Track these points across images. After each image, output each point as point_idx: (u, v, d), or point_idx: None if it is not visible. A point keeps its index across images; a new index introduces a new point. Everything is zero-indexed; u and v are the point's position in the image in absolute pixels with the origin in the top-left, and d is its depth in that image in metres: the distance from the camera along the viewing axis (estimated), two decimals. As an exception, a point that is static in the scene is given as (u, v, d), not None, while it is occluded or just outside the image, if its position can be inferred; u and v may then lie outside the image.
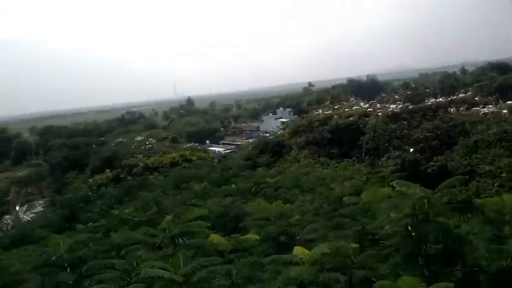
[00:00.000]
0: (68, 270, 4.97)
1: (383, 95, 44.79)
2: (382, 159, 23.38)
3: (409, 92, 41.92)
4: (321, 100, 59.30)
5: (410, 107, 26.92)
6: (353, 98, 40.94)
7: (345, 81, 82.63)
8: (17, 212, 25.87)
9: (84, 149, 40.11)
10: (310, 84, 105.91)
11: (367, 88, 67.52)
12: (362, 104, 33.14)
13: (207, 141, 55.39)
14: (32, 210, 25.66)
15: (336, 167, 20.40)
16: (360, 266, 4.51)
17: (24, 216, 24.74)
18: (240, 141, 54.66)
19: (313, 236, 5.37)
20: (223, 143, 56.57)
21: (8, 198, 25.84)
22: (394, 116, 25.80)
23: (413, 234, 4.46)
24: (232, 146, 50.08)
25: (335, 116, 28.99)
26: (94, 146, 42.84)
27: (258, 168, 20.44)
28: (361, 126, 26.83)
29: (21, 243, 10.63)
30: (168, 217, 5.69)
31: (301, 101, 77.86)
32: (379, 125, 25.36)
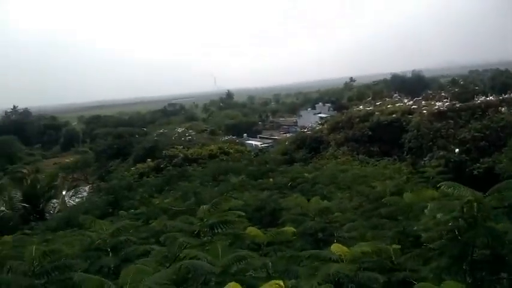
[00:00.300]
0: (110, 254, 5.16)
1: (428, 91, 43.07)
2: (425, 159, 22.57)
3: (456, 90, 40.19)
4: (362, 96, 58.14)
5: (458, 105, 25.74)
6: (396, 94, 39.67)
7: (388, 77, 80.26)
8: (64, 196, 27.33)
9: (127, 139, 41.57)
10: (351, 79, 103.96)
11: (412, 84, 65.22)
12: (406, 100, 32.05)
13: (245, 134, 55.76)
14: (77, 195, 26.97)
15: (376, 165, 19.87)
16: (400, 268, 4.38)
17: (70, 201, 26.08)
18: (277, 136, 54.63)
19: (352, 235, 5.27)
20: (260, 137, 56.77)
21: (56, 183, 27.26)
22: (440, 114, 24.79)
23: (459, 238, 4.28)
24: (270, 140, 50.15)
25: (376, 113, 28.22)
26: (137, 136, 44.30)
27: (295, 164, 20.30)
28: (404, 123, 25.99)
29: (67, 226, 11.19)
30: (205, 206, 5.77)
31: (342, 97, 76.65)
32: (423, 123, 24.47)
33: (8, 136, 66.48)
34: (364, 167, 18.99)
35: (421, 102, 30.09)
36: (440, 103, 27.29)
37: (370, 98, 42.04)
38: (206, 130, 48.32)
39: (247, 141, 46.28)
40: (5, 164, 45.78)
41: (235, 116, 76.52)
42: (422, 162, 22.10)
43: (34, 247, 4.24)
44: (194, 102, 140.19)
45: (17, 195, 24.68)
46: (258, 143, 46.41)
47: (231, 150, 27.97)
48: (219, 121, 68.63)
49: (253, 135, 57.71)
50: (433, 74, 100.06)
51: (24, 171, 30.48)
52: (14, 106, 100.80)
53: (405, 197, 6.09)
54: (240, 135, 51.86)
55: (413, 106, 28.40)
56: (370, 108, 30.54)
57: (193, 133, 39.41)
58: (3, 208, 23.51)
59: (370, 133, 26.95)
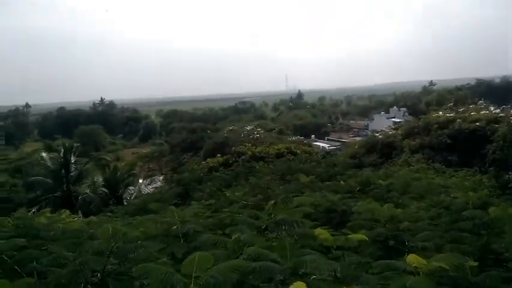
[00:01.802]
0: (182, 241, 5.35)
1: (519, 99, 39.19)
2: (510, 173, 20.64)
3: (553, 98, 36.10)
4: (442, 101, 54.53)
5: (554, 115, 23.08)
6: (482, 101, 36.61)
7: (472, 82, 74.48)
8: (140, 184, 29.27)
9: (200, 134, 43.38)
10: (431, 82, 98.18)
11: (500, 91, 59.88)
12: (492, 108, 29.44)
13: (313, 135, 55.33)
14: (152, 184, 28.72)
15: (453, 176, 18.49)
16: (477, 287, 4.02)
17: (146, 189, 27.83)
18: (346, 139, 53.47)
19: (427, 246, 4.95)
20: (328, 139, 55.93)
21: (134, 171, 29.26)
22: (531, 125, 22.40)
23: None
24: (338, 143, 49.21)
25: (458, 120, 26.21)
26: (209, 131, 46.06)
27: (364, 169, 19.58)
28: (488, 133, 23.86)
29: (142, 212, 11.93)
30: (273, 201, 5.78)
31: (419, 101, 72.67)
32: (511, 133, 22.29)
33: (95, 126, 73.02)
34: (439, 176, 17.79)
35: (509, 110, 27.45)
36: (532, 112, 24.68)
37: (451, 104, 39.20)
38: (274, 129, 48.71)
39: (315, 143, 45.82)
40: (90, 151, 50.32)
41: (304, 116, 76.12)
42: (507, 176, 20.19)
43: (110, 226, 4.44)
44: (264, 101, 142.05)
45: (100, 180, 26.95)
46: (326, 145, 45.74)
47: (298, 151, 27.81)
48: (287, 121, 68.73)
49: (321, 137, 56.97)
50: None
51: (108, 158, 33.19)
52: (101, 98, 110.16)
53: (490, 212, 5.58)
54: (307, 136, 51.52)
55: (500, 115, 25.97)
56: (451, 114, 28.48)
57: (262, 131, 39.87)
58: (87, 191, 25.81)
59: (448, 141, 25.12)
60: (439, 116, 28.74)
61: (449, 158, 24.27)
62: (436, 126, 26.76)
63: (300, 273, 3.57)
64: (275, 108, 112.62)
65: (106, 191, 25.77)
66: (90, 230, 6.02)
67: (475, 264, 4.20)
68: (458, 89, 72.52)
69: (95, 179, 26.85)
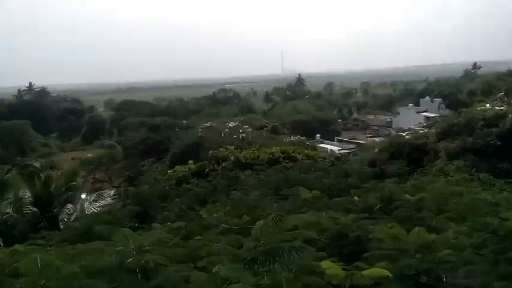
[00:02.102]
0: (139, 278, 5.33)
1: None
2: None
3: None
4: (491, 90, 55.29)
5: None
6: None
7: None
8: (83, 200, 28.89)
9: (165, 132, 43.27)
10: (475, 65, 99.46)
11: None
12: (556, 99, 30.03)
13: (318, 135, 55.63)
14: (100, 201, 28.38)
15: (504, 190, 18.79)
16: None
17: (91, 207, 27.49)
18: (362, 140, 53.94)
19: (470, 283, 5.03)
20: (339, 140, 56.37)
21: (74, 183, 28.82)
22: None
23: None
24: (352, 145, 49.67)
25: (510, 115, 26.68)
26: (177, 129, 45.98)
27: (387, 180, 19.78)
28: (552, 133, 24.38)
29: (86, 238, 11.83)
30: (261, 222, 5.78)
31: (459, 90, 73.57)
32: None
33: (19, 121, 71.45)
34: (486, 190, 18.07)
35: None
36: None
37: (502, 94, 39.85)
38: (266, 127, 48.83)
39: (321, 145, 46.15)
40: (14, 155, 49.55)
41: (305, 109, 76.39)
42: None
43: (39, 257, 4.41)
44: (252, 89, 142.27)
45: (27, 195, 26.45)
46: (336, 148, 46.12)
47: (298, 156, 27.92)
48: (283, 115, 68.89)
49: (329, 137, 57.37)
50: None
51: (38, 165, 32.69)
52: (30, 83, 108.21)
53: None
54: (311, 136, 51.74)
55: None
56: (501, 108, 28.96)
57: (250, 130, 39.98)
58: (9, 210, 25.32)
59: (498, 143, 25.56)
60: (485, 110, 29.19)
61: (500, 165, 24.64)
62: (481, 123, 27.17)
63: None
64: (267, 98, 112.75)
65: (35, 210, 25.37)
66: (14, 264, 5.95)
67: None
68: (511, 73, 73.58)
69: (20, 194, 26.40)
